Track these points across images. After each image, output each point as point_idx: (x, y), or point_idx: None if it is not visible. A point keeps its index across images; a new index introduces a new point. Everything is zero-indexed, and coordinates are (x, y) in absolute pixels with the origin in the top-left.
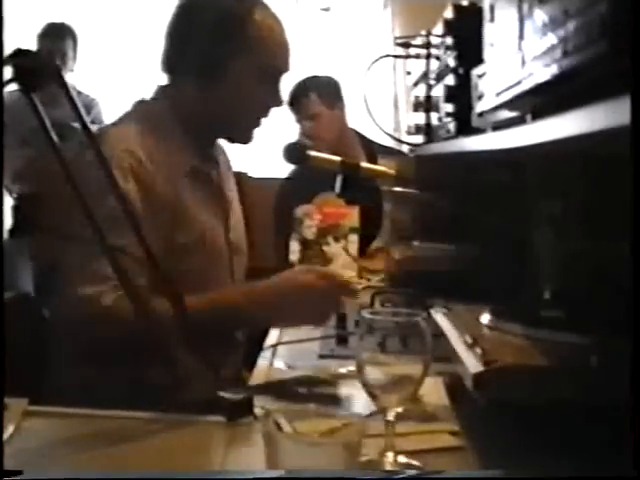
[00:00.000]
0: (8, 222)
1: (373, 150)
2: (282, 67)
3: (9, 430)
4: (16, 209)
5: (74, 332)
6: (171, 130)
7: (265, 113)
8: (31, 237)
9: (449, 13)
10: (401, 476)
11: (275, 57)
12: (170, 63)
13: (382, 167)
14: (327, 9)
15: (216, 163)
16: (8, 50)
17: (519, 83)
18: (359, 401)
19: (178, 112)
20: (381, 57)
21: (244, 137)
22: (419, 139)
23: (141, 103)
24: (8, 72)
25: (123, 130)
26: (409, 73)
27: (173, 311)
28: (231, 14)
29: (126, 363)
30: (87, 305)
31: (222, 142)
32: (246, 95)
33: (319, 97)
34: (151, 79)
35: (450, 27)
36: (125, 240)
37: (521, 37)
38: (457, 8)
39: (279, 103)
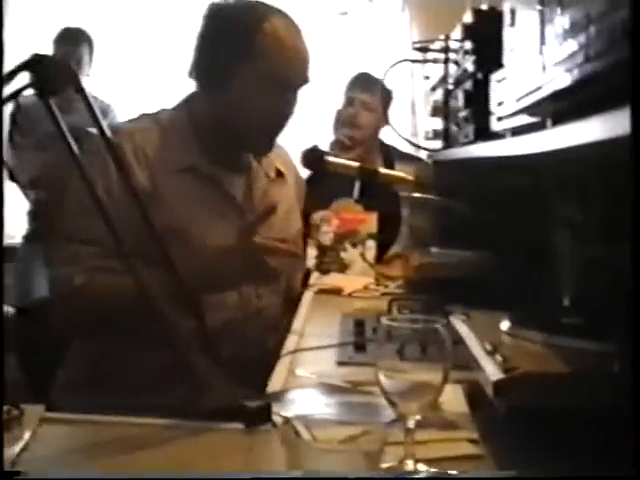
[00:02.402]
0: (24, 227)
1: (390, 155)
2: (295, 77)
3: (25, 437)
4: (32, 214)
5: (55, 312)
6: (179, 132)
7: (278, 123)
8: (46, 242)
9: (468, 17)
10: (416, 476)
11: (286, 67)
12: (190, 70)
13: (400, 173)
14: (345, 13)
15: (240, 170)
16: (26, 56)
17: (540, 88)
18: (378, 409)
19: (191, 117)
20: (399, 62)
21: (258, 146)
22: (437, 144)
23: (166, 108)
24: (25, 77)
25: (122, 126)
26: (427, 78)
27: (193, 320)
28: (242, 22)
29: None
30: (60, 286)
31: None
32: (256, 104)
33: (381, 95)
34: (171, 86)
35: (469, 31)
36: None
37: (542, 42)
38: (476, 12)
39: (292, 113)
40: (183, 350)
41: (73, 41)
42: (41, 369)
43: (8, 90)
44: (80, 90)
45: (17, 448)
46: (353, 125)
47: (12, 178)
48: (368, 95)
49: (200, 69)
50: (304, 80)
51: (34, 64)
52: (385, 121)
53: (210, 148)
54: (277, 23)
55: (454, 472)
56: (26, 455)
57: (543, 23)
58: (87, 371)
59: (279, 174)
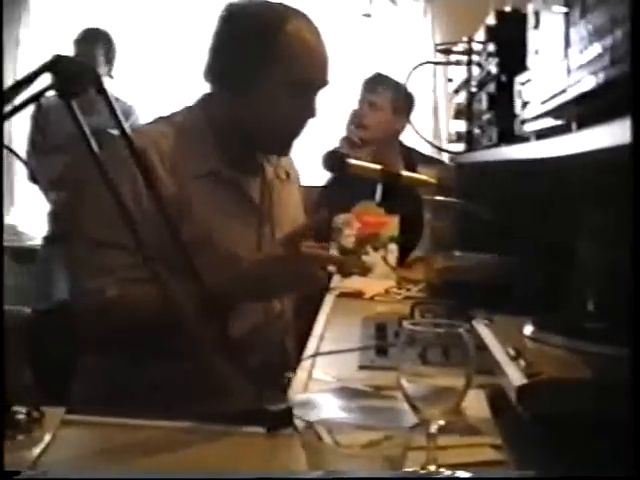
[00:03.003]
0: (45, 229)
1: (412, 158)
2: (316, 80)
3: (46, 439)
4: (52, 215)
5: (83, 326)
6: (199, 135)
7: (299, 125)
8: (67, 244)
9: (491, 19)
10: (437, 476)
11: (307, 70)
12: (207, 72)
13: (423, 176)
14: (368, 15)
15: (255, 172)
16: (47, 57)
17: (565, 91)
18: (400, 413)
19: (210, 119)
20: (421, 64)
21: (278, 148)
22: (460, 147)
23: (182, 110)
24: (47, 79)
25: (144, 130)
26: (450, 80)
27: (215, 326)
28: (262, 24)
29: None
30: (92, 298)
31: (290, 156)
32: (276, 106)
33: (392, 96)
34: (189, 87)
35: (492, 33)
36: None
37: (567, 45)
38: (499, 14)
39: (313, 115)
40: (206, 354)
41: (93, 41)
42: (56, 372)
43: (30, 91)
44: (102, 91)
45: (37, 450)
46: (360, 124)
47: (33, 179)
48: (376, 95)
49: (218, 70)
50: (324, 82)
51: (56, 65)
52: (401, 122)
53: (228, 151)
54: (298, 24)
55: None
56: (45, 458)
57: (568, 25)
58: (110, 384)
59: (287, 176)
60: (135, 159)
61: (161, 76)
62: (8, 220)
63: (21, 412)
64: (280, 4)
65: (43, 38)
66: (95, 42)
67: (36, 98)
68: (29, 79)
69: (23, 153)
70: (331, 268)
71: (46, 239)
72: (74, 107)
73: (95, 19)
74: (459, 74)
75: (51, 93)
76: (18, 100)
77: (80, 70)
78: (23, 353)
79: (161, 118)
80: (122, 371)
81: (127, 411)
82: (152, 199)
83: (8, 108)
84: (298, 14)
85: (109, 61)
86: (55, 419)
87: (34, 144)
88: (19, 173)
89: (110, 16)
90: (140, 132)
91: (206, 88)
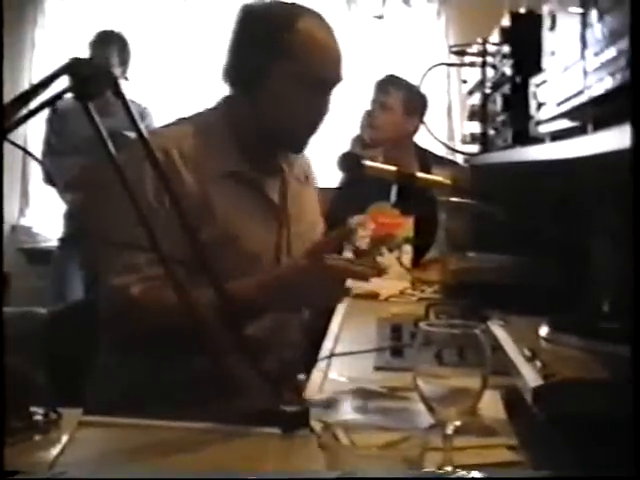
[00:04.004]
0: (60, 230)
1: (427, 159)
2: (329, 77)
3: (63, 440)
4: (68, 217)
5: (106, 324)
6: (220, 136)
7: (315, 122)
8: (82, 245)
9: (506, 21)
10: (453, 476)
11: (320, 67)
12: (225, 72)
13: (438, 177)
14: (380, 17)
15: (275, 173)
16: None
17: (581, 93)
18: (416, 414)
19: (229, 120)
20: (435, 65)
21: (294, 145)
22: (474, 148)
23: (203, 111)
24: (63, 81)
25: (166, 131)
26: (465, 82)
27: (233, 327)
28: (274, 23)
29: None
30: (116, 295)
31: (308, 156)
32: (290, 104)
33: (404, 97)
34: (203, 89)
35: (507, 35)
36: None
37: (583, 46)
38: (514, 16)
39: (327, 112)
40: (223, 355)
41: (107, 43)
42: (73, 373)
43: (47, 94)
44: (118, 94)
45: (55, 451)
46: (371, 125)
47: (49, 181)
48: (387, 96)
49: (234, 71)
50: (338, 78)
51: (73, 68)
52: (413, 123)
53: (249, 151)
54: (310, 22)
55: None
56: (64, 459)
57: (584, 27)
58: (129, 384)
59: (305, 178)
60: (153, 160)
61: (174, 78)
62: (23, 222)
63: (38, 413)
64: (292, 3)
65: (58, 40)
66: (110, 44)
67: (53, 101)
68: (46, 82)
69: (38, 154)
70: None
71: (62, 240)
72: (91, 109)
73: (109, 21)
74: (473, 75)
75: (67, 95)
76: (35, 103)
77: (97, 72)
78: (39, 354)
79: (183, 119)
80: (141, 371)
81: (144, 411)
82: (172, 199)
83: (24, 111)
84: (310, 12)
85: (123, 63)
86: (72, 420)
87: (50, 146)
88: (34, 174)
89: (124, 18)
90: (162, 132)
91: (225, 90)
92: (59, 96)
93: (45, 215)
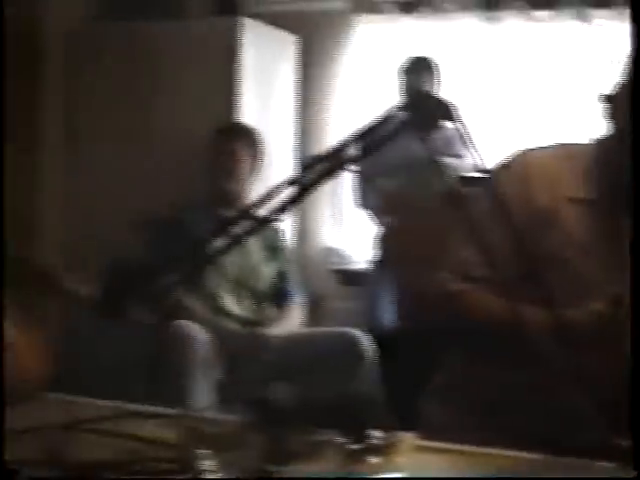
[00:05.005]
0: (371, 252)
1: None
2: None
3: (399, 464)
4: (381, 239)
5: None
6: (586, 164)
7: None
8: (396, 267)
9: None
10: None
11: None
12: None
13: None
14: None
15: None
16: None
17: None
18: None
19: (601, 153)
20: None
21: None
22: None
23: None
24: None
25: (537, 150)
26: None
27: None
28: None
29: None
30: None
31: None
32: None
33: None
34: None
35: None
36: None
37: None
38: None
39: None
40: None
41: (419, 70)
42: (404, 394)
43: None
44: (459, 125)
45: (389, 475)
46: None
47: (360, 204)
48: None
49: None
50: None
51: (416, 102)
52: None
53: (606, 183)
54: None
55: None
56: None
57: None
58: (468, 397)
59: None
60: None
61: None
62: (334, 244)
63: (376, 436)
64: None
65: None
66: (422, 71)
67: (392, 136)
68: (385, 119)
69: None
70: None
71: (375, 263)
72: (429, 142)
73: (418, 48)
74: None
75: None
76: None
77: (437, 106)
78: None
79: (560, 144)
80: (488, 385)
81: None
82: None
83: (355, 150)
84: None
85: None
86: (408, 444)
87: (361, 170)
88: (344, 197)
89: (434, 44)
90: (531, 151)
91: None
92: (397, 131)
93: (356, 237)
